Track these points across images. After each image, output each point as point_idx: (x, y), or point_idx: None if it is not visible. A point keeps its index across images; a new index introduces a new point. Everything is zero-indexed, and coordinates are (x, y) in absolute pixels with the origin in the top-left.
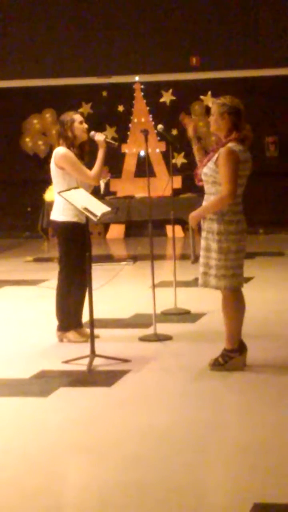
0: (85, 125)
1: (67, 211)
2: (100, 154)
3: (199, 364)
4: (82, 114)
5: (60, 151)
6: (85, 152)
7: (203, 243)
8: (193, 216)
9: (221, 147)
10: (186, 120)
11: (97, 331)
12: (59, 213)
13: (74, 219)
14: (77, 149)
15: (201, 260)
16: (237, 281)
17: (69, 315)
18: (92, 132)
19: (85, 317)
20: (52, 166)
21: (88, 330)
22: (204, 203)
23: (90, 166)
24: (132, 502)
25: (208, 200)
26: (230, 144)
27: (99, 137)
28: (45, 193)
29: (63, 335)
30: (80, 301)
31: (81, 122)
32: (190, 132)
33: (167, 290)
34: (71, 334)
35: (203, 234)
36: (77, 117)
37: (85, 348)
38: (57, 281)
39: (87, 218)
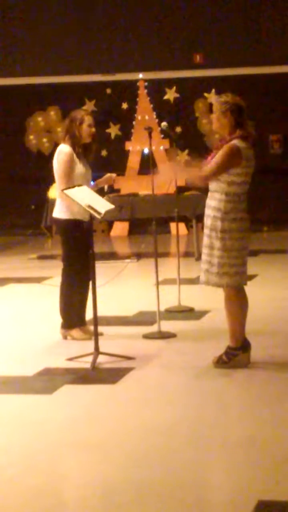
0: (93, 129)
1: (69, 208)
2: (99, 184)
3: (203, 361)
4: (92, 114)
5: (63, 149)
6: (90, 152)
7: (206, 240)
8: (170, 175)
9: (225, 144)
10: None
11: (100, 329)
12: (61, 211)
13: (77, 217)
14: (81, 148)
15: (204, 257)
16: (239, 279)
17: (73, 313)
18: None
19: (89, 315)
20: (55, 163)
21: (91, 328)
22: (208, 201)
23: (93, 165)
24: (135, 499)
25: (212, 197)
26: (234, 141)
27: (108, 175)
28: (49, 190)
29: (67, 333)
30: (83, 299)
31: (89, 125)
32: (193, 164)
33: (171, 288)
34: (75, 332)
35: (206, 231)
36: (88, 119)
37: (89, 346)
38: (61, 279)
39: (91, 215)
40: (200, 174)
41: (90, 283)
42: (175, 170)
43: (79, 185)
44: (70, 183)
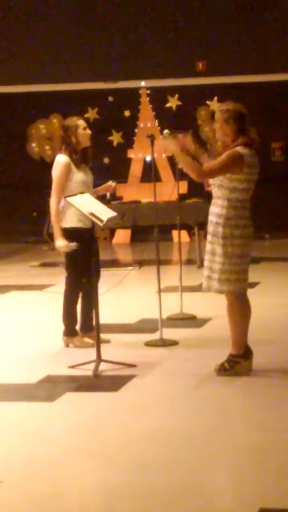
0: (89, 131)
1: (71, 217)
2: (99, 192)
3: (205, 369)
4: (87, 119)
5: (61, 160)
6: (88, 157)
7: (208, 246)
8: (172, 147)
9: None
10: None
11: (105, 336)
12: (66, 219)
13: (79, 225)
14: (79, 154)
15: (206, 263)
16: (240, 286)
17: (75, 321)
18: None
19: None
20: (53, 173)
21: (102, 335)
22: (211, 207)
23: (95, 173)
24: (137, 506)
25: (215, 204)
26: (238, 148)
27: (110, 183)
28: (51, 198)
29: (69, 340)
30: (86, 307)
31: (84, 128)
32: (193, 146)
33: (173, 295)
34: (77, 340)
35: (209, 237)
36: (81, 123)
37: (91, 353)
38: (64, 287)
39: (93, 223)
40: (199, 169)
41: (92, 290)
42: (172, 148)
43: (81, 193)
44: (61, 196)
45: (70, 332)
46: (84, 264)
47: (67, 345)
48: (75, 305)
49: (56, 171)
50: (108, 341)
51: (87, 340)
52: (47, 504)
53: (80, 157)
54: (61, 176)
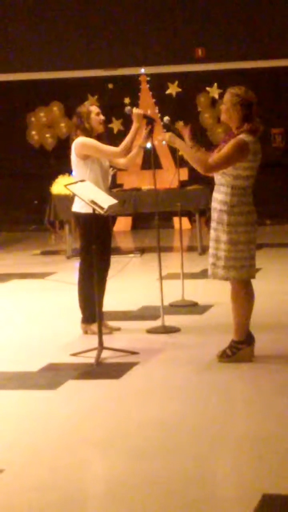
0: (102, 117)
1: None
2: (132, 128)
3: (207, 356)
4: (99, 106)
5: (79, 140)
6: (103, 143)
7: (212, 234)
8: (171, 139)
9: (232, 138)
10: (181, 130)
11: (113, 324)
12: (82, 205)
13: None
14: (94, 139)
15: (211, 251)
16: (246, 273)
17: (93, 307)
18: (128, 108)
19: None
20: (73, 157)
21: (109, 323)
22: (214, 194)
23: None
24: (140, 493)
25: (218, 191)
26: (242, 135)
27: (136, 111)
28: (51, 186)
29: (87, 327)
30: (101, 292)
31: (97, 114)
32: (188, 139)
33: (175, 282)
34: (95, 326)
35: (213, 225)
36: (94, 109)
37: (93, 341)
38: (79, 274)
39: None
40: (205, 163)
41: (102, 276)
42: (171, 140)
43: (81, 181)
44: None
45: (87, 318)
46: (99, 251)
47: (85, 332)
48: (91, 291)
49: (86, 144)
50: (118, 329)
51: (105, 326)
52: (49, 492)
53: None
54: (93, 143)
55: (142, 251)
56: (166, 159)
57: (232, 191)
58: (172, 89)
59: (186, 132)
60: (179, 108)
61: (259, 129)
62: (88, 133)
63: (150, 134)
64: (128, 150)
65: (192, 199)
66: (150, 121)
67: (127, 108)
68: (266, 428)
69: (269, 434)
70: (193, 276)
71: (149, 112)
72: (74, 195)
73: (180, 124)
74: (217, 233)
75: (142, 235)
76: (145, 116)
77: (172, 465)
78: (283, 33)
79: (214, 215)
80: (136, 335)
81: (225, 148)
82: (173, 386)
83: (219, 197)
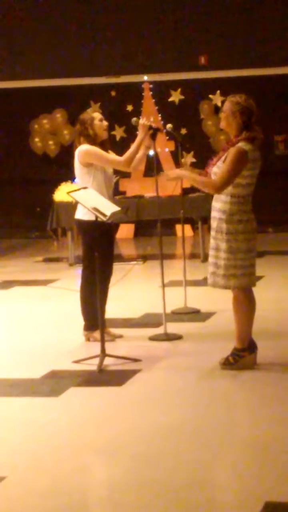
0: (105, 123)
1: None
2: (137, 139)
3: (209, 363)
4: (102, 112)
5: (83, 148)
6: (106, 149)
7: (212, 242)
8: (178, 173)
9: (231, 147)
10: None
11: (116, 331)
12: (85, 212)
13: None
14: (98, 146)
15: (210, 259)
16: (246, 281)
17: (95, 314)
18: (134, 119)
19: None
20: (77, 165)
21: (111, 330)
22: (213, 203)
23: None
24: (141, 500)
25: (218, 199)
26: (240, 144)
27: (142, 121)
28: (54, 193)
29: (90, 335)
30: (104, 299)
31: (101, 120)
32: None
33: (177, 290)
34: (98, 333)
35: (212, 233)
36: (97, 115)
37: (96, 348)
38: (81, 281)
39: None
40: (211, 182)
41: (105, 284)
42: (183, 175)
43: (84, 188)
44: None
45: (89, 325)
46: (101, 258)
47: (87, 340)
48: (93, 298)
49: (90, 152)
50: (120, 336)
51: (108, 334)
52: (51, 499)
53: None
54: (97, 151)
55: (144, 258)
56: (168, 166)
57: (231, 200)
58: (175, 97)
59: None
60: (182, 115)
61: (258, 137)
62: (92, 139)
63: (153, 138)
64: (131, 160)
65: (195, 207)
66: (155, 130)
67: (134, 120)
68: (268, 435)
69: (272, 441)
70: (196, 283)
71: (152, 119)
72: (76, 202)
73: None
74: (217, 242)
75: (144, 242)
76: (150, 127)
77: (174, 471)
78: (286, 41)
79: (214, 223)
80: (138, 343)
81: (226, 163)
82: (175, 393)
83: (218, 206)
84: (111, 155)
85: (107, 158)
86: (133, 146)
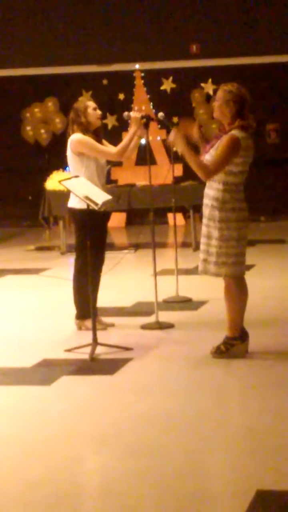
0: (99, 112)
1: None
2: (130, 131)
3: (201, 351)
4: (95, 101)
5: (75, 137)
6: (100, 138)
7: (204, 230)
8: (175, 141)
9: (224, 134)
10: (187, 125)
11: (107, 320)
12: (77, 201)
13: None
14: (91, 135)
15: (202, 247)
16: (237, 269)
17: (87, 303)
18: (126, 113)
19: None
20: (69, 153)
21: (103, 319)
22: (206, 190)
23: None
24: (133, 489)
25: (210, 187)
26: (234, 131)
27: (134, 114)
28: (46, 181)
29: (81, 323)
30: (96, 288)
31: (94, 109)
32: (196, 134)
33: (169, 278)
34: (89, 322)
35: (204, 221)
36: (91, 104)
37: (87, 337)
38: (74, 269)
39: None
40: (206, 170)
41: (97, 272)
42: (176, 142)
43: (76, 177)
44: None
45: (82, 315)
46: (94, 247)
47: (79, 328)
48: (85, 287)
49: (82, 142)
50: (112, 325)
51: (99, 322)
52: (43, 488)
53: (93, 138)
54: (89, 141)
55: (136, 247)
56: (160, 155)
57: (224, 187)
58: (167, 85)
59: (195, 130)
60: (173, 104)
61: (252, 126)
62: (85, 128)
63: (146, 127)
64: (123, 152)
65: (187, 195)
66: (147, 119)
67: (125, 114)
68: (260, 424)
69: (264, 430)
70: (187, 272)
71: (144, 108)
72: (68, 191)
73: (190, 121)
74: (209, 229)
75: (136, 231)
76: (143, 117)
77: (166, 460)
78: (278, 29)
79: (206, 211)
80: (130, 331)
81: (219, 150)
82: (166, 382)
83: (210, 193)
84: (103, 146)
85: (99, 149)
86: (125, 139)
